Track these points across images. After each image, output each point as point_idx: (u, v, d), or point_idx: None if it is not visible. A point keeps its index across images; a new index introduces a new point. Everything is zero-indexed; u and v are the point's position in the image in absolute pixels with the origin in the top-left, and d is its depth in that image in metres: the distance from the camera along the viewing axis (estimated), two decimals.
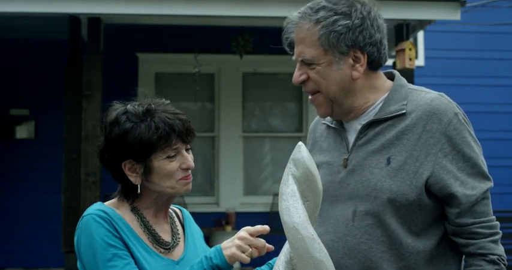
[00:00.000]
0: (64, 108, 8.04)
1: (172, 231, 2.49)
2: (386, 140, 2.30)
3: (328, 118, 2.50)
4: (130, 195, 2.40)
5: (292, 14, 2.36)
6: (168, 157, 2.35)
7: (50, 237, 9.86)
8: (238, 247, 2.24)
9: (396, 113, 2.31)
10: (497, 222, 2.28)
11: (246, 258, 2.22)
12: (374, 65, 2.35)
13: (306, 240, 1.95)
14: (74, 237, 2.34)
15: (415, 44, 9.72)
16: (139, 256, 2.28)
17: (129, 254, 2.26)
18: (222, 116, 10.75)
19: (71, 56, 8.04)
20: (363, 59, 2.31)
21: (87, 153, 7.35)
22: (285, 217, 1.98)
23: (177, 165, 2.37)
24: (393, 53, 8.36)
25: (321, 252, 1.96)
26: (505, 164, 11.45)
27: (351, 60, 2.30)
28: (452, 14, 7.94)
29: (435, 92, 2.37)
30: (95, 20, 7.72)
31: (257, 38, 9.18)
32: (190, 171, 2.41)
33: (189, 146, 2.44)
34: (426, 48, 11.61)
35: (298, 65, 2.36)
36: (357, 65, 2.31)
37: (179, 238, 2.49)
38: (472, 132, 2.32)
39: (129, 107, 2.42)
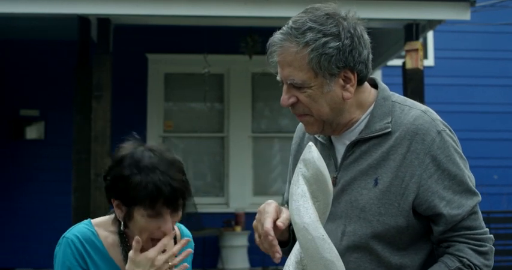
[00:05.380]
0: (73, 109, 8.05)
1: None
2: (373, 160, 2.27)
3: None
4: (117, 220, 2.44)
5: (275, 35, 2.29)
6: (148, 215, 2.33)
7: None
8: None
9: (381, 132, 2.28)
10: (488, 236, 2.24)
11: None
12: (362, 81, 2.31)
13: (316, 241, 1.94)
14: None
15: (424, 44, 9.71)
16: None
17: None
18: (232, 117, 10.76)
19: (81, 57, 8.04)
20: (354, 79, 2.25)
21: (97, 153, 7.36)
22: (295, 217, 1.98)
23: (154, 226, 2.35)
24: (403, 53, 8.35)
25: (331, 252, 1.96)
26: None
27: (341, 81, 2.24)
28: (462, 14, 7.93)
29: (419, 108, 2.32)
30: (104, 21, 7.74)
31: (266, 38, 9.09)
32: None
33: (179, 209, 2.40)
34: (436, 48, 11.59)
35: (285, 87, 2.30)
36: (348, 85, 2.25)
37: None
38: (458, 147, 2.28)
39: (138, 151, 2.39)
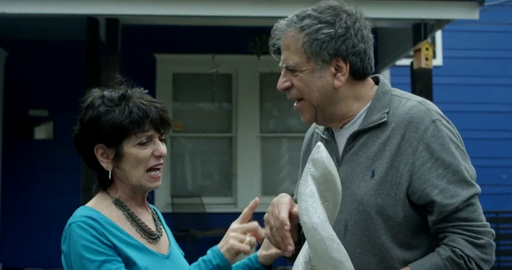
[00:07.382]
0: None
1: (154, 220, 2.49)
2: (371, 153, 2.30)
3: (321, 128, 2.52)
4: (104, 182, 2.40)
5: (280, 21, 2.39)
6: (140, 144, 2.32)
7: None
8: (234, 238, 2.29)
9: (377, 122, 2.31)
10: (486, 229, 2.20)
11: (245, 247, 2.27)
12: (358, 74, 2.35)
13: (325, 241, 1.95)
14: (62, 246, 2.28)
15: (433, 43, 9.69)
16: (132, 256, 2.25)
17: (120, 259, 2.23)
18: (240, 117, 10.76)
19: (89, 57, 8.06)
20: (345, 69, 2.32)
21: None
22: (304, 217, 1.98)
23: (149, 152, 2.34)
24: (411, 53, 8.33)
25: (340, 252, 1.96)
26: None
27: (333, 69, 2.31)
28: (471, 14, 7.91)
29: (416, 99, 2.35)
30: (112, 21, 7.75)
31: None
32: (161, 167, 2.38)
33: (163, 137, 2.40)
34: (444, 48, 11.56)
35: (283, 71, 2.39)
36: (339, 74, 2.32)
37: (161, 229, 2.50)
38: (456, 138, 2.28)
39: (106, 92, 2.42)
